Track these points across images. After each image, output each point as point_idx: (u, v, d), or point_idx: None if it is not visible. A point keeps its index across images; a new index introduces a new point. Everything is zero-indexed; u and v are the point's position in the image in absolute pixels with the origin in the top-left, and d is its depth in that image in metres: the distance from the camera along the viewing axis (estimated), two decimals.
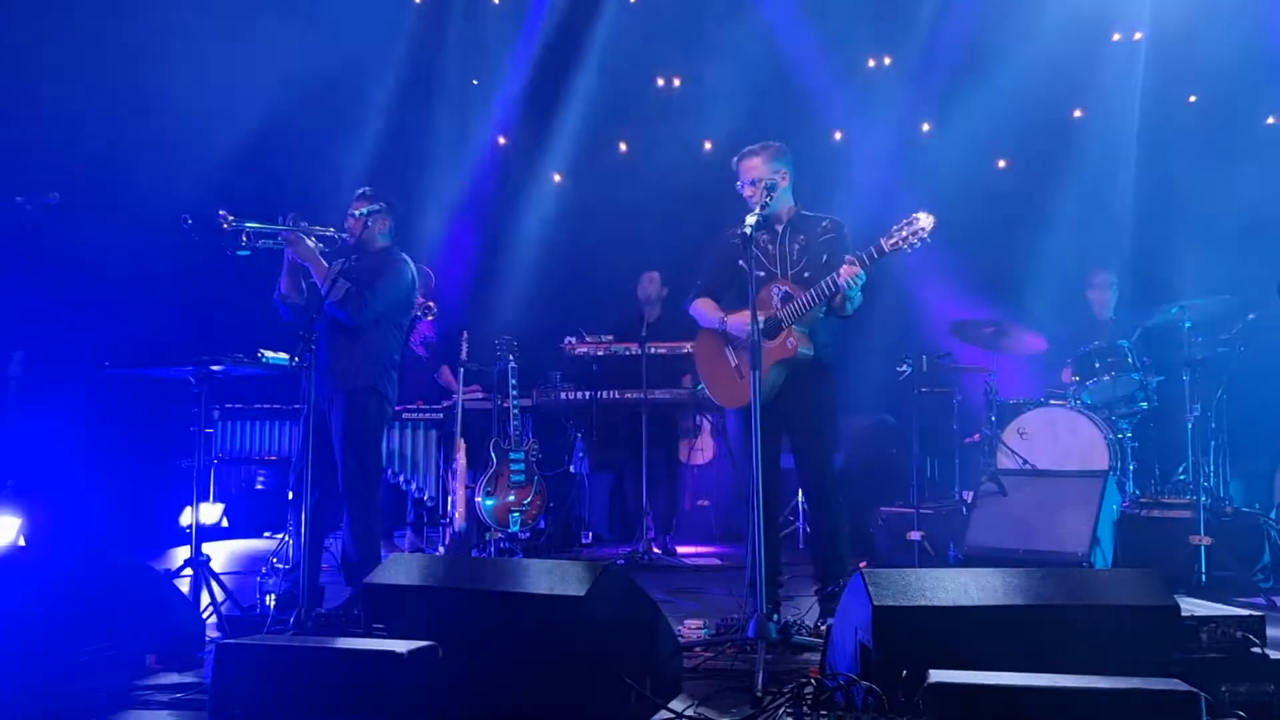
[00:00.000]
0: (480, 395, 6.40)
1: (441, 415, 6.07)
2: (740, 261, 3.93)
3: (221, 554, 6.06)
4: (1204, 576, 4.71)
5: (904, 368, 5.82)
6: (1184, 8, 6.87)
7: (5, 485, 5.22)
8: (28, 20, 5.99)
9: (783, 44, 7.68)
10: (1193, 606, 2.83)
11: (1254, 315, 5.31)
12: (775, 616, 3.63)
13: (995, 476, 5.29)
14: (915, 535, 5.38)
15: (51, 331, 5.71)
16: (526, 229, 8.17)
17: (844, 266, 3.80)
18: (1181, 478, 5.74)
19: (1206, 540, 4.75)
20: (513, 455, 5.99)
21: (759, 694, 2.89)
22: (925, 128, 7.91)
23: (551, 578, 2.86)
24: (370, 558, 4.34)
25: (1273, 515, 5.17)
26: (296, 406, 5.62)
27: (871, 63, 7.93)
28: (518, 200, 8.24)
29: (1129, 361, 5.79)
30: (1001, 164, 7.84)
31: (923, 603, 2.64)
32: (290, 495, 4.63)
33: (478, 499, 5.94)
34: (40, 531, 5.22)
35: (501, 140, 8.28)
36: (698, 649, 3.56)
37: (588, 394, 6.36)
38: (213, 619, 3.99)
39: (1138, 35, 7.31)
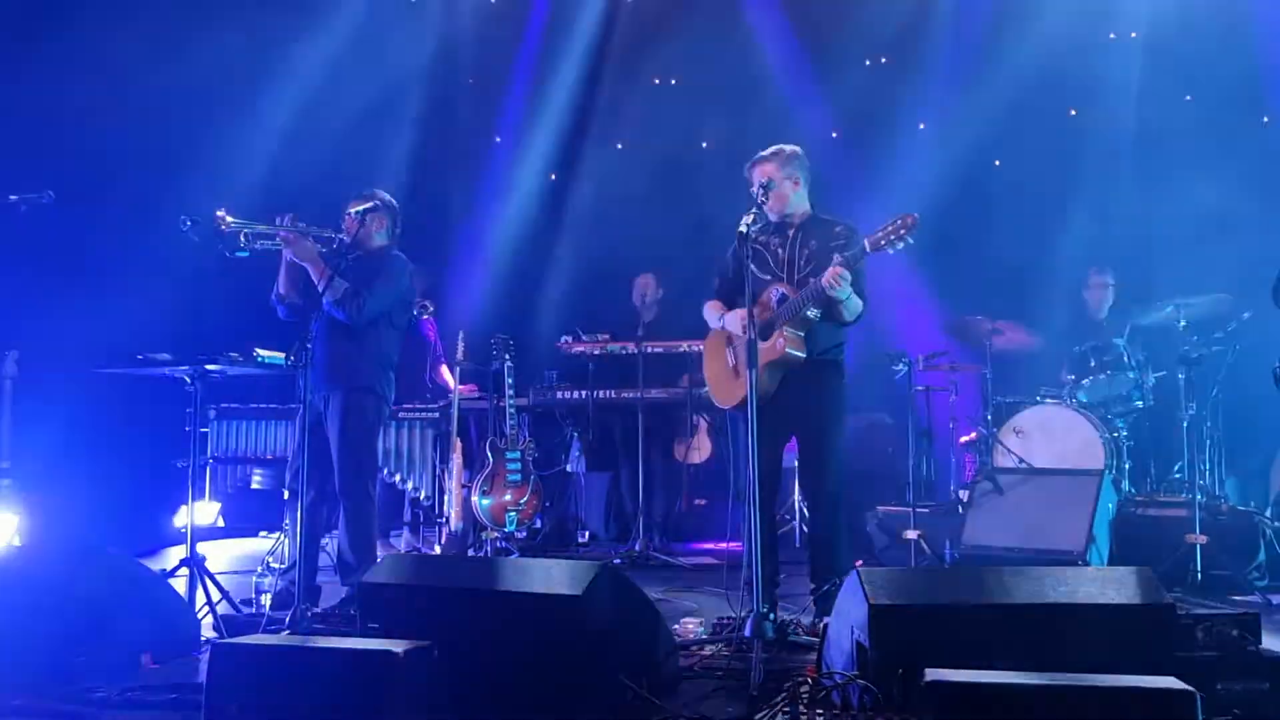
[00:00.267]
0: (477, 394, 6.39)
1: (438, 414, 6.06)
2: (752, 265, 3.97)
3: (217, 553, 6.04)
4: (1199, 575, 4.71)
5: (900, 367, 5.82)
6: (1180, 7, 6.88)
7: (1, 484, 5.21)
8: (25, 19, 5.98)
9: (780, 44, 7.67)
10: (1188, 605, 2.84)
11: (1249, 314, 5.33)
12: (772, 615, 3.63)
13: (991, 475, 5.30)
14: (911, 534, 5.38)
15: (47, 331, 5.69)
16: (523, 228, 8.16)
17: (828, 269, 3.80)
18: (1177, 476, 5.75)
19: (1202, 539, 4.76)
20: (509, 454, 5.99)
21: (755, 693, 2.90)
22: (921, 127, 7.92)
23: (548, 577, 2.86)
24: (366, 557, 4.35)
25: (1268, 513, 5.17)
26: (292, 406, 5.61)
27: (868, 62, 7.93)
28: (514, 199, 8.24)
29: (1125, 360, 5.81)
30: (998, 163, 7.85)
31: (919, 601, 2.64)
32: (286, 495, 4.62)
33: (474, 498, 5.93)
34: (36, 531, 5.21)
35: (497, 139, 8.27)
36: (694, 648, 3.56)
37: (584, 393, 6.35)
38: (208, 619, 3.98)
39: (1134, 35, 7.32)
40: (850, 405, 4.29)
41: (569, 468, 6.78)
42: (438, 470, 6.04)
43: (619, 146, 8.20)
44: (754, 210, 3.72)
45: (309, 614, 3.87)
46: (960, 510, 5.43)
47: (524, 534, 6.09)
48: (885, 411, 6.91)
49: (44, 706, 2.96)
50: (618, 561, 5.84)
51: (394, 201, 4.70)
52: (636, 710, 2.77)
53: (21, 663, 3.16)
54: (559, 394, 6.45)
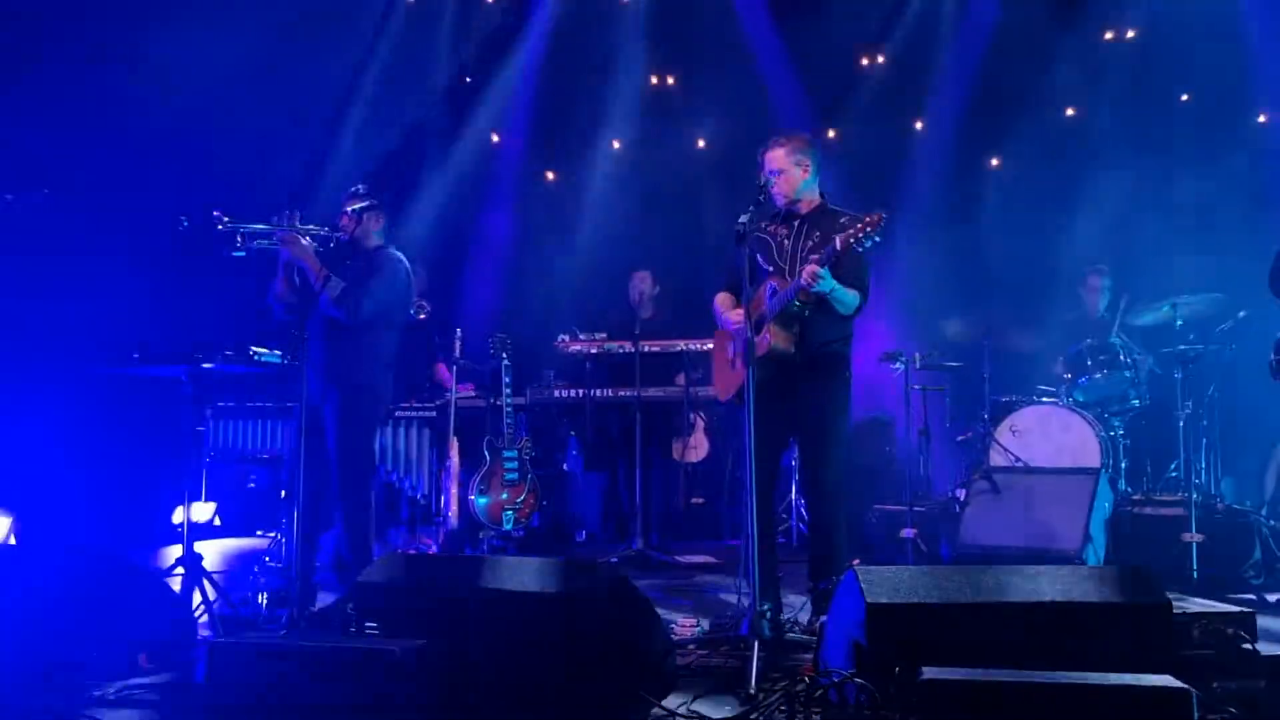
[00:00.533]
0: (474, 393, 6.39)
1: (435, 413, 6.06)
2: (757, 255, 4.03)
3: (214, 552, 6.03)
4: (1195, 573, 4.73)
5: (897, 365, 5.83)
6: (1176, 6, 6.88)
7: None
8: (22, 17, 5.96)
9: (778, 43, 7.67)
10: (1184, 603, 2.85)
11: (1245, 313, 5.34)
12: (769, 614, 3.63)
13: (988, 474, 5.30)
14: (908, 533, 5.39)
15: (43, 329, 5.69)
16: (520, 226, 8.16)
17: (804, 268, 3.80)
18: (1173, 475, 5.76)
19: (1198, 537, 4.77)
20: (506, 453, 5.98)
21: (753, 691, 2.90)
22: (918, 126, 7.92)
23: (545, 576, 2.86)
24: (363, 556, 4.34)
25: (1263, 512, 5.18)
26: (289, 405, 5.61)
27: (865, 61, 7.94)
28: (511, 198, 8.23)
29: (1121, 359, 5.82)
30: (994, 162, 7.86)
31: (916, 600, 2.65)
32: (283, 494, 4.62)
33: (471, 497, 5.93)
34: (31, 530, 5.20)
35: (495, 138, 8.27)
36: (691, 647, 3.56)
37: (581, 392, 6.35)
38: (205, 618, 3.97)
39: (1130, 34, 7.33)
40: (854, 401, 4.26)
41: (566, 466, 6.78)
42: (435, 469, 6.04)
43: (616, 146, 8.20)
44: (751, 206, 3.71)
45: (306, 613, 3.86)
46: (957, 509, 5.43)
47: (521, 533, 6.09)
48: (882, 410, 6.92)
49: (41, 705, 2.96)
50: (615, 560, 5.84)
51: (390, 200, 4.69)
52: (634, 709, 2.78)
53: (19, 662, 3.16)
54: (556, 393, 6.44)
